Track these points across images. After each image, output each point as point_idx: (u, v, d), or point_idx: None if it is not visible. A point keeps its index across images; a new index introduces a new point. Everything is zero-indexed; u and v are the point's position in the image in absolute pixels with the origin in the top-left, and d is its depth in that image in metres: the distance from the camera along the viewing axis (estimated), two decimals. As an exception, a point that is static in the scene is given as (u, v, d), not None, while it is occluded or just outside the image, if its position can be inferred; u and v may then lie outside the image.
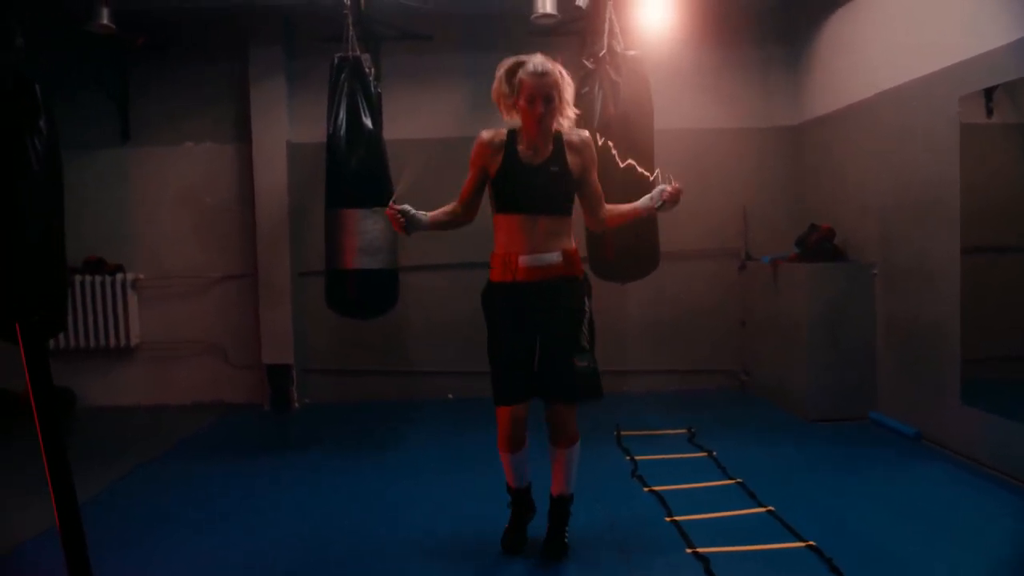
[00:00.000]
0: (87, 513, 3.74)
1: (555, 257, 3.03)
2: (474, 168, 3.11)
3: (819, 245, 5.40)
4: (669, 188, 3.09)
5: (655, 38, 5.79)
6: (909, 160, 4.70)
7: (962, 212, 4.20)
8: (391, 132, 6.15)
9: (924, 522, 3.40)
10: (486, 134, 3.09)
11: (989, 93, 4.09)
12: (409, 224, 3.04)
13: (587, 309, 3.11)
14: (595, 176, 3.16)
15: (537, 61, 2.98)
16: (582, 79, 4.72)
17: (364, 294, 4.78)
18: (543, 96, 2.94)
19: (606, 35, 4.62)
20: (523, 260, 3.01)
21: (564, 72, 3.03)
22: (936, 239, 4.44)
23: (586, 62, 4.73)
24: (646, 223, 4.58)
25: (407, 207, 3.05)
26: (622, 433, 4.95)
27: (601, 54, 4.62)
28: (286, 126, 6.12)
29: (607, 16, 4.66)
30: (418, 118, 6.20)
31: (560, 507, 3.24)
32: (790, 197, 6.29)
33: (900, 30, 4.77)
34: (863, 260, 5.23)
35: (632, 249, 4.53)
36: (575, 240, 3.15)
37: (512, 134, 3.07)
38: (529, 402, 3.11)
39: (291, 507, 3.91)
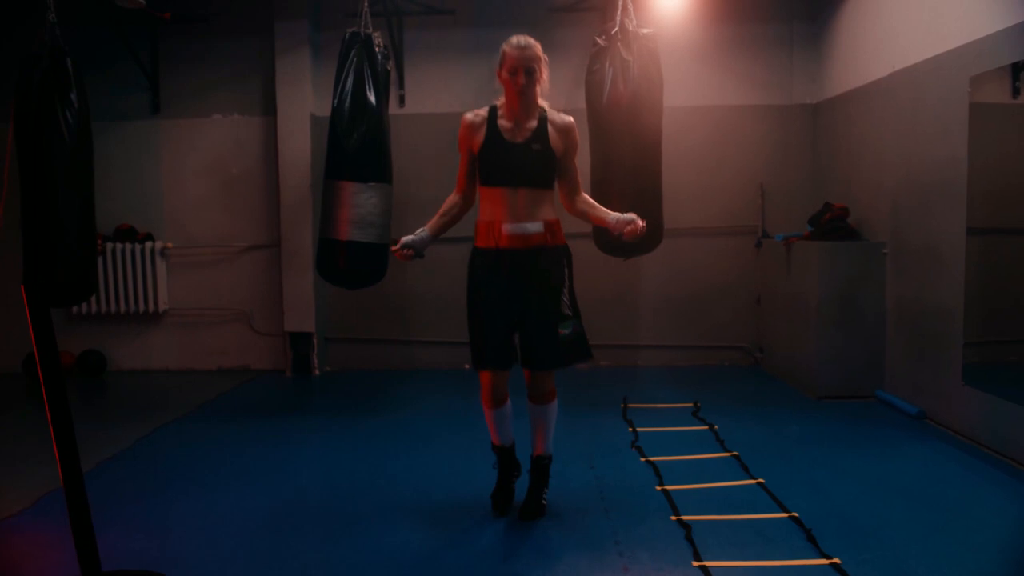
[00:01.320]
0: (115, 467, 4.00)
1: (537, 226, 3.15)
2: (463, 150, 3.26)
3: (832, 224, 5.41)
4: (637, 224, 3.08)
5: (672, 16, 5.83)
6: (920, 140, 4.70)
7: (978, 193, 4.19)
8: (412, 106, 6.29)
9: (914, 500, 3.45)
10: (468, 115, 3.23)
11: (1016, 73, 4.05)
12: (418, 249, 3.18)
13: (568, 277, 3.23)
14: (574, 161, 3.28)
15: (521, 36, 3.12)
16: (593, 56, 4.78)
17: (353, 265, 4.90)
18: (525, 68, 3.08)
19: (619, 12, 4.66)
20: (506, 228, 3.14)
21: (543, 55, 3.15)
22: (943, 220, 4.44)
23: (598, 39, 4.77)
24: (652, 199, 4.67)
25: (407, 239, 3.18)
26: (628, 405, 5.05)
27: (613, 32, 4.66)
28: (311, 99, 6.25)
29: (621, -7, 4.70)
30: (438, 92, 6.30)
31: (539, 467, 3.39)
32: (808, 175, 6.29)
33: (916, 8, 4.74)
34: (876, 240, 5.24)
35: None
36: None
37: (493, 110, 3.21)
38: (511, 367, 3.27)
39: (300, 468, 4.09)
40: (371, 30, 4.88)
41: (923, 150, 4.65)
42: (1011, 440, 3.90)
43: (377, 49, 4.85)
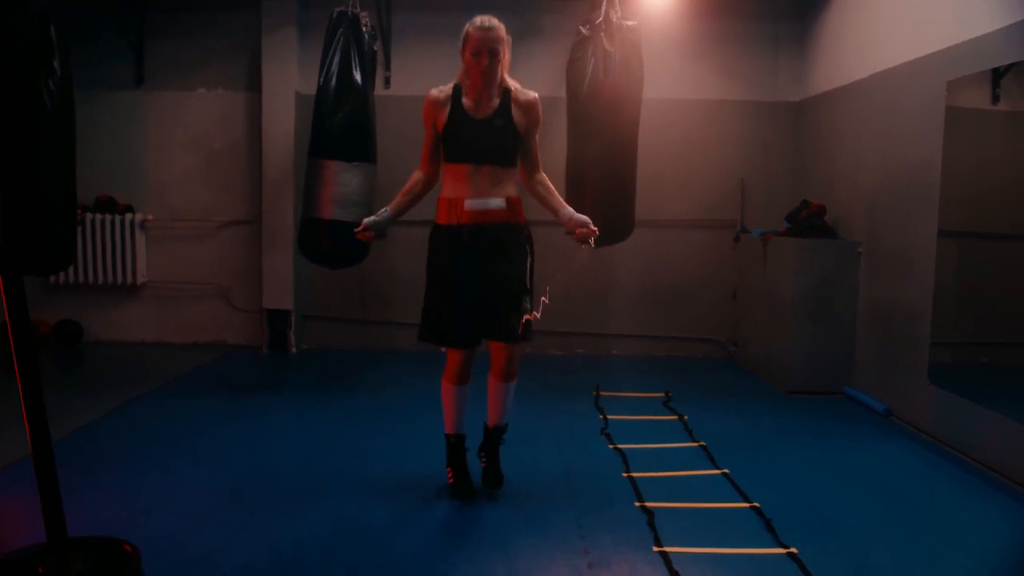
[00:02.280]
0: (84, 438, 4.00)
1: (499, 203, 3.18)
2: (427, 126, 3.28)
3: (809, 221, 5.48)
4: (589, 228, 3.09)
5: (659, 8, 5.86)
6: (897, 142, 4.76)
7: (954, 197, 4.25)
8: (399, 88, 6.28)
9: (873, 493, 3.53)
10: (433, 91, 3.26)
11: (996, 79, 4.10)
12: (379, 230, 3.21)
13: (530, 255, 3.27)
14: (536, 138, 3.30)
15: (484, 17, 3.14)
16: (576, 45, 4.81)
17: (335, 244, 4.91)
18: (488, 49, 3.10)
19: (604, 3, 4.68)
20: (467, 204, 3.17)
21: (506, 36, 3.17)
22: (916, 222, 4.51)
23: (582, 28, 4.80)
24: (624, 191, 4.71)
25: (369, 219, 3.20)
26: (600, 393, 5.11)
27: (597, 22, 4.69)
28: (296, 76, 6.24)
29: (608, -16, 4.73)
30: (426, 75, 6.24)
31: (496, 436, 3.46)
32: (788, 172, 6.35)
33: (900, 10, 4.79)
34: (852, 238, 5.31)
35: (605, 215, 4.64)
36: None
37: (457, 88, 3.24)
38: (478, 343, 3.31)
39: (273, 443, 4.12)
40: (359, 10, 4.88)
41: (900, 152, 4.72)
42: (970, 438, 3.99)
43: (364, 29, 4.86)
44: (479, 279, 3.21)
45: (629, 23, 4.72)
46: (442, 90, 3.25)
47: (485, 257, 3.19)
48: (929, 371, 4.36)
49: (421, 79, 6.22)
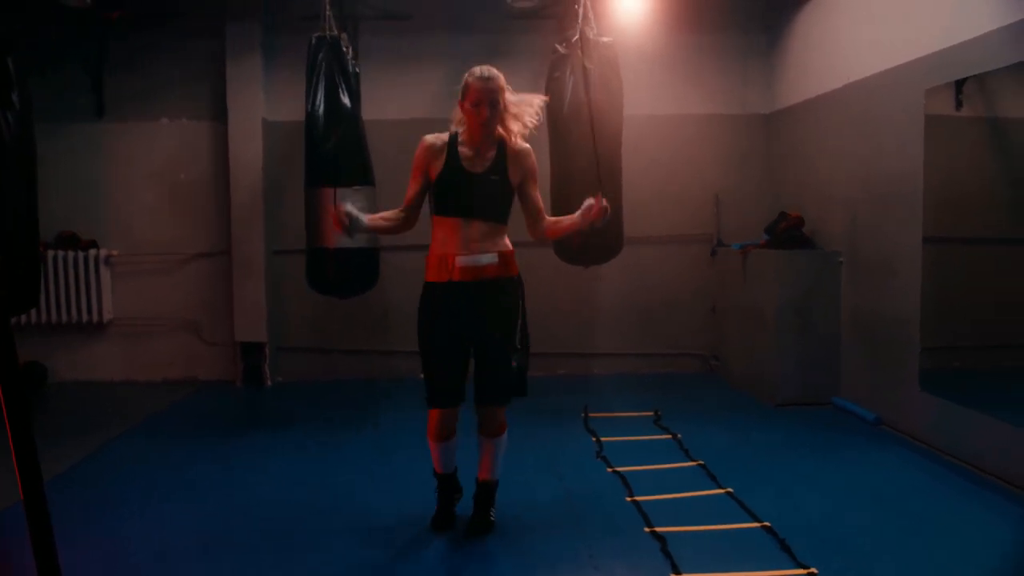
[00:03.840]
0: (59, 487, 3.81)
1: (491, 258, 3.09)
2: (417, 172, 3.16)
3: (787, 233, 5.48)
4: (595, 205, 3.03)
5: (631, 24, 5.85)
6: (875, 151, 4.78)
7: (928, 203, 4.28)
8: (369, 112, 6.17)
9: (880, 506, 3.50)
10: (429, 138, 3.15)
11: (959, 86, 4.16)
12: (352, 225, 3.07)
13: (521, 309, 3.19)
14: (535, 188, 3.21)
15: (483, 67, 3.05)
16: (553, 64, 4.77)
17: (344, 273, 4.81)
18: (488, 100, 3.01)
19: (580, 20, 4.65)
20: (459, 260, 3.06)
21: (507, 85, 3.08)
22: (899, 229, 4.52)
23: (558, 47, 4.76)
24: (613, 206, 4.64)
25: (350, 207, 3.08)
26: (589, 415, 5.03)
27: (574, 40, 4.65)
28: (262, 104, 6.11)
29: (582, 1, 4.69)
30: (396, 99, 6.21)
31: (486, 491, 3.34)
32: (763, 185, 6.36)
33: (871, 21, 4.83)
34: (831, 248, 5.31)
35: (596, 233, 4.59)
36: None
37: (454, 137, 3.13)
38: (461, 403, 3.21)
39: (252, 483, 3.96)
40: (336, 33, 4.80)
41: (879, 161, 4.74)
42: (967, 444, 3.98)
43: (346, 51, 4.77)
44: (469, 338, 3.13)
45: (605, 40, 4.68)
46: (439, 137, 3.14)
47: (476, 314, 3.09)
48: (919, 378, 4.35)
49: (392, 103, 6.19)
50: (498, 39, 6.03)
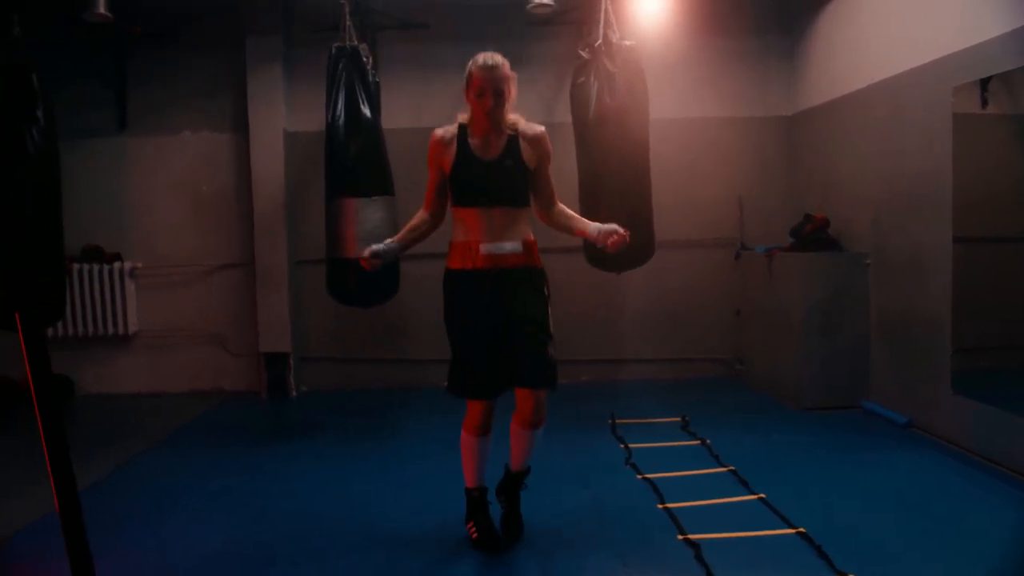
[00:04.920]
0: (87, 500, 3.80)
1: (515, 246, 3.05)
2: (432, 168, 3.14)
3: (813, 235, 5.43)
4: (619, 233, 3.01)
5: (652, 28, 5.83)
6: (902, 151, 4.73)
7: (954, 202, 4.23)
8: (388, 122, 6.18)
9: (915, 511, 3.44)
10: (438, 132, 3.12)
11: (984, 83, 4.11)
12: (385, 259, 3.08)
13: (547, 298, 3.15)
14: (548, 171, 3.18)
15: (487, 55, 3.00)
16: (577, 69, 4.75)
17: (365, 283, 4.80)
18: (492, 89, 2.95)
19: (602, 25, 4.64)
20: (483, 248, 3.03)
21: (511, 72, 3.04)
22: (928, 230, 4.47)
23: (582, 52, 4.74)
24: (642, 211, 4.63)
25: (376, 247, 3.09)
26: (617, 421, 4.99)
27: (597, 44, 4.64)
28: (283, 115, 6.14)
29: (603, 6, 4.69)
30: (414, 107, 6.21)
31: (518, 479, 3.30)
32: (786, 187, 6.32)
33: (895, 20, 4.78)
34: (857, 250, 5.26)
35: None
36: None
37: (463, 128, 3.10)
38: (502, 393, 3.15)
39: (279, 495, 3.93)
40: (356, 42, 4.81)
41: (906, 160, 4.68)
42: (1003, 447, 3.91)
43: (366, 61, 4.78)
44: (500, 325, 3.06)
45: (628, 43, 4.66)
46: (447, 130, 3.11)
47: (504, 302, 3.05)
48: (952, 380, 4.29)
49: (410, 111, 6.19)
50: (517, 46, 5.94)
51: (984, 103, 4.20)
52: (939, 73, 4.32)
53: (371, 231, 4.67)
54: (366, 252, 3.08)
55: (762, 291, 5.85)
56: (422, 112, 6.17)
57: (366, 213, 4.69)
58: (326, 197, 4.89)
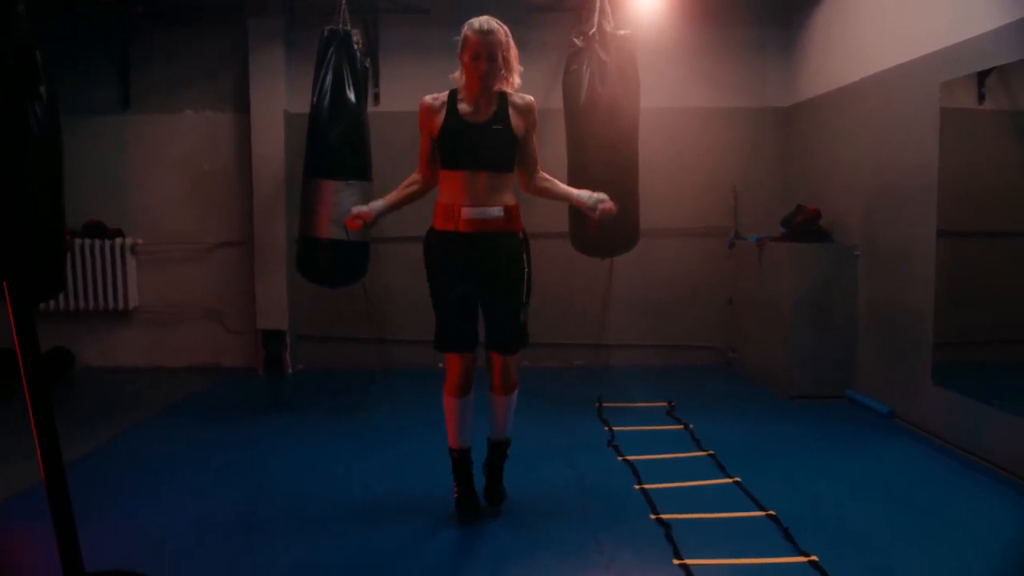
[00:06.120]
0: (83, 469, 3.92)
1: (496, 211, 3.13)
2: (423, 132, 3.23)
3: (804, 226, 5.47)
4: (608, 203, 3.15)
5: (649, 17, 5.86)
6: (891, 144, 4.77)
7: (947, 196, 4.27)
8: (388, 104, 6.25)
9: (888, 497, 3.52)
10: (427, 98, 3.20)
11: (982, 79, 4.13)
12: (367, 222, 3.17)
13: (527, 264, 3.24)
14: (534, 140, 3.26)
15: (483, 19, 3.07)
16: (570, 57, 4.80)
17: (333, 263, 4.90)
18: (487, 54, 3.03)
19: (596, 14, 4.68)
20: (465, 212, 3.11)
21: (509, 34, 3.12)
22: (914, 223, 4.52)
23: (575, 40, 4.79)
24: (630, 200, 4.68)
25: (361, 208, 3.18)
26: (603, 405, 5.07)
27: (591, 33, 4.68)
28: (284, 96, 6.20)
29: (599, -6, 4.72)
30: (415, 90, 6.20)
31: (499, 450, 3.40)
32: (780, 178, 6.36)
33: (889, 14, 4.81)
34: (847, 242, 5.31)
35: (612, 226, 4.64)
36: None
37: (453, 93, 3.18)
38: (475, 350, 3.28)
39: (273, 468, 4.04)
40: (349, 27, 4.86)
41: (895, 154, 4.73)
42: (979, 438, 3.98)
43: (356, 47, 4.84)
44: (476, 287, 3.19)
45: (622, 32, 4.70)
46: (436, 97, 3.19)
47: (483, 266, 3.16)
48: (933, 371, 4.35)
49: (410, 95, 6.19)
50: (516, 32, 6.01)
51: (981, 99, 4.23)
52: (927, 68, 4.36)
53: (343, 214, 4.74)
54: (353, 211, 3.16)
55: (754, 280, 5.91)
56: (422, 95, 6.17)
57: (341, 196, 4.75)
58: (304, 175, 4.97)
